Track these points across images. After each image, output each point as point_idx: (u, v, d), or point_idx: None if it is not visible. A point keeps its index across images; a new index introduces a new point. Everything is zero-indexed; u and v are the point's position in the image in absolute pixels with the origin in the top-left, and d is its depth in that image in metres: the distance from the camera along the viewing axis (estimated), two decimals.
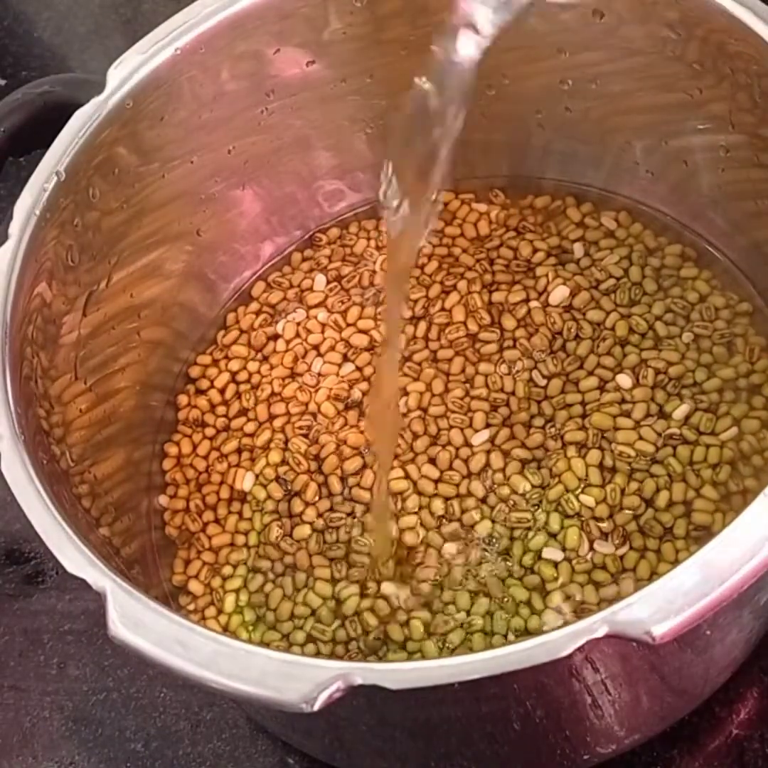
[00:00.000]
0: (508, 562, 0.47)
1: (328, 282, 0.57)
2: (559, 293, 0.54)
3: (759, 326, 0.52)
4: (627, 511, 0.48)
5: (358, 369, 0.54)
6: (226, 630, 0.49)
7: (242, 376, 0.55)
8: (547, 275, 0.54)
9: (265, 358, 0.56)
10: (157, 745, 0.50)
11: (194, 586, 0.50)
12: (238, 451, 0.53)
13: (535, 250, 0.56)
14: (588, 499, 0.48)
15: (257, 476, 0.52)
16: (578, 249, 0.55)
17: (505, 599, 0.46)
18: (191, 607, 0.50)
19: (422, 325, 0.54)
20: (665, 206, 0.55)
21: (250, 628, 0.48)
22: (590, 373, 0.51)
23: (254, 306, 0.57)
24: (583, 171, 0.57)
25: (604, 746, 0.44)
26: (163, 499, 0.53)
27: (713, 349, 0.51)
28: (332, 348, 0.55)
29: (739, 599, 0.33)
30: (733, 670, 0.46)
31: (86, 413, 0.48)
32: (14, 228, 0.44)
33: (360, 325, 0.55)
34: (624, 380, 0.51)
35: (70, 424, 0.46)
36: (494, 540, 0.48)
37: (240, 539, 0.51)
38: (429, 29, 0.52)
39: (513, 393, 0.52)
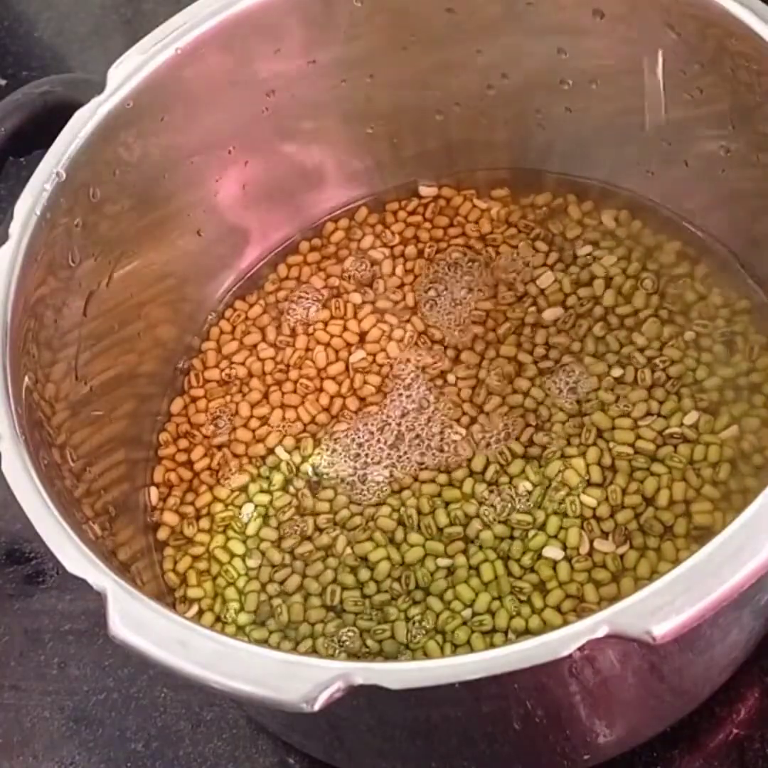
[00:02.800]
0: (508, 562, 0.47)
1: (328, 279, 0.57)
2: (551, 313, 0.54)
3: (759, 324, 0.52)
4: (628, 510, 0.48)
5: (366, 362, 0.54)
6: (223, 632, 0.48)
7: (243, 370, 0.55)
8: (546, 274, 0.54)
9: (267, 356, 0.55)
10: (157, 745, 0.50)
11: (191, 592, 0.50)
12: (237, 450, 0.53)
13: (536, 251, 0.56)
14: (589, 500, 0.48)
15: (254, 479, 0.52)
16: (578, 247, 0.55)
17: (506, 598, 0.46)
18: (190, 612, 0.49)
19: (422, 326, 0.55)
20: (665, 204, 0.55)
21: (249, 630, 0.48)
22: (590, 372, 0.51)
23: (256, 307, 0.57)
24: (583, 170, 0.57)
25: (605, 746, 0.44)
26: (154, 498, 0.52)
27: (713, 348, 0.51)
28: (335, 346, 0.55)
29: (739, 599, 0.33)
30: (733, 670, 0.46)
31: (86, 413, 0.48)
32: (14, 228, 0.44)
33: (363, 323, 0.55)
34: (623, 379, 0.51)
35: (71, 424, 0.46)
36: (494, 540, 0.48)
37: (234, 543, 0.51)
38: (429, 28, 0.53)
39: (513, 391, 0.52)
